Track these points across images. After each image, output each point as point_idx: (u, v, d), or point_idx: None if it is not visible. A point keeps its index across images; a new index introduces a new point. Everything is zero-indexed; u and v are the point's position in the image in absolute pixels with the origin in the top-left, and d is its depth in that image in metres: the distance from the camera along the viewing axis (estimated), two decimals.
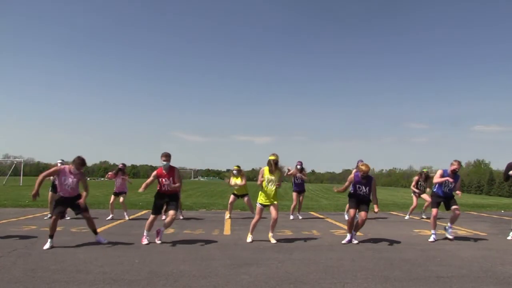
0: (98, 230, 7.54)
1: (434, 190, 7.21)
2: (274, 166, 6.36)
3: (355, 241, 6.66)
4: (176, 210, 6.37)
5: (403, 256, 5.63)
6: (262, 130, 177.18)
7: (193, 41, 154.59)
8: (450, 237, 7.05)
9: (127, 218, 9.67)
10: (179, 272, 4.52)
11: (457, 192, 7.13)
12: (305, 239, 6.98)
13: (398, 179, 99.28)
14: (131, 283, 4.05)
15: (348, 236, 6.70)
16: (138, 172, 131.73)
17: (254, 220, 6.64)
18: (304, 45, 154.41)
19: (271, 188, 6.41)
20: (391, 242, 6.79)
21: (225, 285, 4.05)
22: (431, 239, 6.98)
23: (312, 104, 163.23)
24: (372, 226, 8.88)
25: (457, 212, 6.97)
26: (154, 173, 6.41)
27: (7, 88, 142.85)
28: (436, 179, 7.06)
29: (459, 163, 7.01)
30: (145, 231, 6.33)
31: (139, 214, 10.88)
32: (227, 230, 8.06)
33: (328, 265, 5.01)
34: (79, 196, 6.18)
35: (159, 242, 6.29)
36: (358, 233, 6.88)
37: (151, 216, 6.37)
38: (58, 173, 6.05)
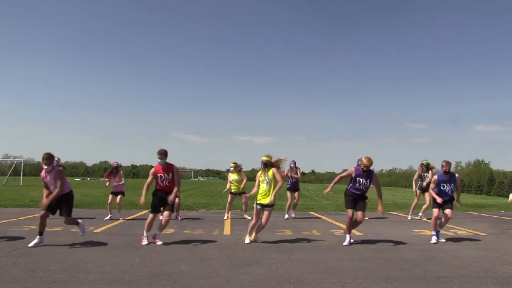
0: (98, 230, 7.57)
1: (435, 190, 7.13)
2: (263, 166, 6.42)
3: (351, 240, 6.60)
4: (171, 211, 6.32)
5: (403, 256, 5.64)
6: (262, 130, 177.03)
7: (193, 41, 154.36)
8: (442, 240, 6.99)
9: (120, 218, 9.59)
10: (179, 272, 4.52)
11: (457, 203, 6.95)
12: (305, 239, 6.98)
13: (398, 179, 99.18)
14: (131, 283, 4.06)
15: (348, 238, 6.58)
16: (138, 172, 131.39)
17: (252, 222, 6.55)
18: (304, 45, 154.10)
19: (264, 188, 6.38)
20: (391, 242, 6.79)
21: (225, 285, 4.05)
22: (433, 240, 6.89)
23: (312, 104, 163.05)
24: (372, 226, 8.88)
25: (448, 216, 6.87)
26: (152, 170, 6.35)
27: (7, 88, 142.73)
28: (432, 187, 7.00)
29: (447, 162, 6.87)
30: (144, 231, 6.32)
31: (139, 214, 10.87)
32: (227, 230, 8.06)
33: (328, 265, 5.01)
34: (66, 195, 6.18)
35: (160, 243, 6.25)
36: (358, 233, 6.87)
37: (150, 216, 6.35)
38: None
